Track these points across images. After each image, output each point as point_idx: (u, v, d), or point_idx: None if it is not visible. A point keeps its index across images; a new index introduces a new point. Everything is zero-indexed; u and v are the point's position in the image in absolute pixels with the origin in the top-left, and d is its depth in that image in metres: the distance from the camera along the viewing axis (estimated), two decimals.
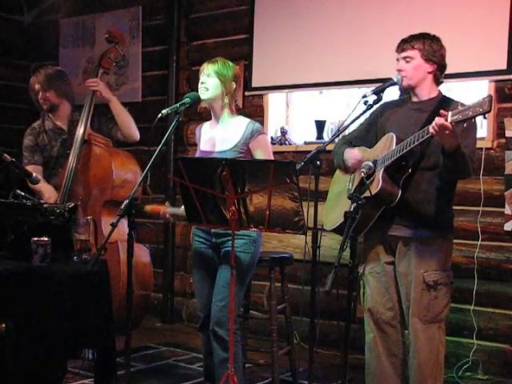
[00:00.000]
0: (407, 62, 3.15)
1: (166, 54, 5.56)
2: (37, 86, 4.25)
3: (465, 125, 2.78)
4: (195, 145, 3.55)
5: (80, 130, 4.14)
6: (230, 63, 3.34)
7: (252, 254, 3.27)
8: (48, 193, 4.11)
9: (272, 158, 3.35)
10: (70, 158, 4.11)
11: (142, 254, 4.21)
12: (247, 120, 3.35)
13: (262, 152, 3.28)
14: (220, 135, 3.34)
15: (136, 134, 4.24)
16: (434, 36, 3.17)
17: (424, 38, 3.15)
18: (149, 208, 3.32)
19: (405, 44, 3.17)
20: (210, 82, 3.28)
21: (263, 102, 5.14)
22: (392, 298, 3.22)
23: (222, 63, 3.31)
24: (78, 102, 4.39)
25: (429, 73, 3.16)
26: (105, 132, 4.28)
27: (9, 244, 3.00)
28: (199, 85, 3.31)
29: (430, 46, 3.13)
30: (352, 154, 3.25)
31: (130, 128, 4.22)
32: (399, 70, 3.17)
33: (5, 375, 2.66)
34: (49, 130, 4.30)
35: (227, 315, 3.04)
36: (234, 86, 3.31)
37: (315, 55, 4.83)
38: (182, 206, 3.36)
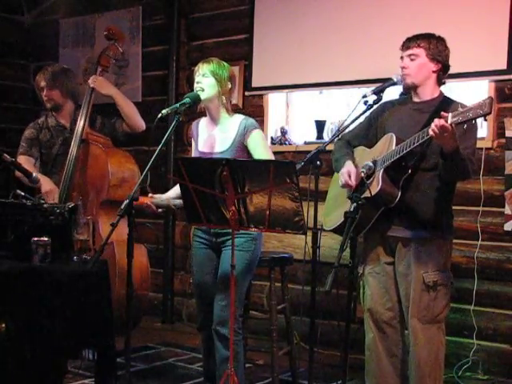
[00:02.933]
0: (412, 59, 3.12)
1: (166, 54, 5.56)
2: (42, 84, 4.23)
3: (465, 126, 2.77)
4: None
5: (79, 128, 4.11)
6: (225, 63, 3.33)
7: (252, 252, 3.27)
8: (47, 185, 4.05)
9: (269, 152, 3.33)
10: (69, 155, 4.09)
11: (140, 253, 4.18)
12: (242, 117, 3.34)
13: (257, 147, 3.26)
14: (219, 136, 3.33)
15: (141, 124, 4.25)
16: (440, 36, 3.16)
17: (430, 37, 3.13)
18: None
19: (410, 42, 3.14)
20: (205, 81, 3.27)
21: (263, 102, 5.14)
22: (392, 299, 3.21)
23: (217, 63, 3.30)
24: (79, 101, 4.37)
25: (433, 72, 3.13)
26: (108, 129, 4.27)
27: (9, 244, 3.00)
28: (195, 85, 3.30)
29: (435, 45, 3.11)
30: (346, 169, 3.17)
31: (135, 119, 4.22)
32: (403, 68, 3.14)
33: (5, 375, 2.66)
34: (51, 127, 4.29)
35: (229, 314, 3.03)
36: (229, 85, 3.31)
37: (315, 55, 4.83)
38: (165, 194, 3.38)
